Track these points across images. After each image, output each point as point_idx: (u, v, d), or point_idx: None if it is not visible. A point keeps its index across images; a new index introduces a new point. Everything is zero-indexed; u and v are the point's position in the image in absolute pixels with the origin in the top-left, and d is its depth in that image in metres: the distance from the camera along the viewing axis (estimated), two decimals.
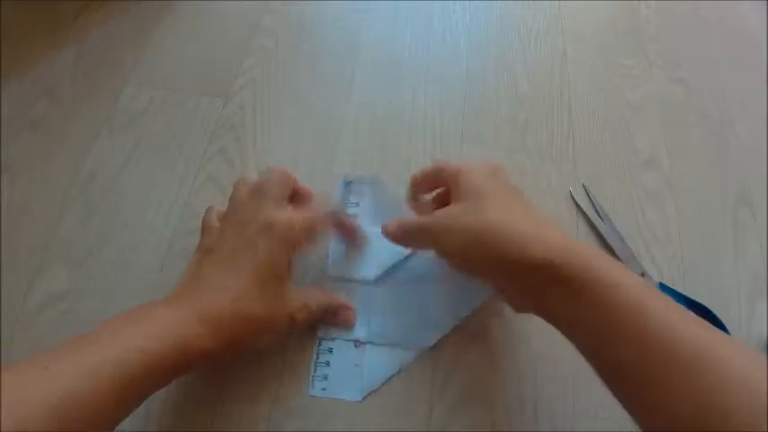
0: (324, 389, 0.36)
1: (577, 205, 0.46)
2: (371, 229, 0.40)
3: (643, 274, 0.42)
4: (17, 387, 0.23)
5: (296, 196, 0.37)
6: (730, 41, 0.60)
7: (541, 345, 0.38)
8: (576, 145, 0.49)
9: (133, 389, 0.27)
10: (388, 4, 0.57)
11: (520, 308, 0.33)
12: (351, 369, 0.37)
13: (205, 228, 0.36)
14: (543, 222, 0.32)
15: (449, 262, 0.34)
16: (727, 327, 0.40)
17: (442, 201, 0.37)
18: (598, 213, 0.45)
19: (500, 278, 0.32)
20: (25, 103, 0.46)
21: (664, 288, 0.41)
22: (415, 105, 0.50)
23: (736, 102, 0.54)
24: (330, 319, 0.38)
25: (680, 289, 0.42)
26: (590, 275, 0.27)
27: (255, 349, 0.35)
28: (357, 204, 0.43)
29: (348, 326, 0.38)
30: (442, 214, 0.33)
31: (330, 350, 0.37)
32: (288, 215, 0.33)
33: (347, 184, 0.44)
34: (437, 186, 0.38)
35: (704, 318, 0.41)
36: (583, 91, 0.53)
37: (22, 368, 0.25)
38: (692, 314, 0.27)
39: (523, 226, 0.31)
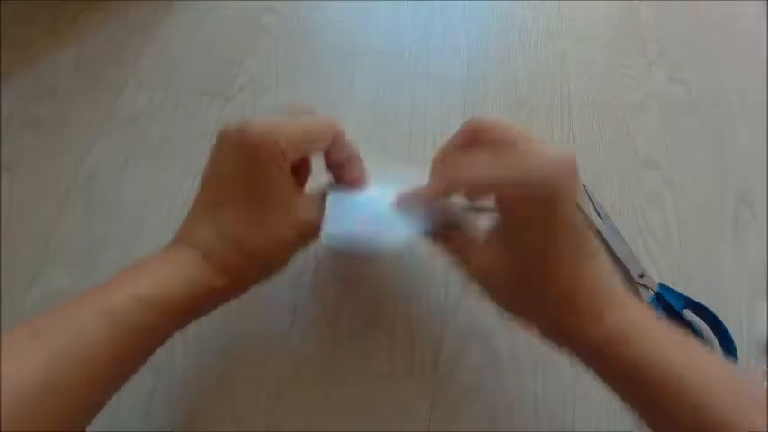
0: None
1: (577, 205, 0.46)
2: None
3: (643, 275, 0.42)
4: (8, 359, 0.22)
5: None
6: (730, 41, 0.60)
7: (541, 345, 0.38)
8: (576, 145, 0.49)
9: (134, 342, 0.25)
10: (388, 4, 0.57)
11: (554, 345, 0.29)
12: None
13: (215, 143, 0.31)
14: (601, 269, 0.28)
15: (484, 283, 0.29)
16: (727, 327, 0.40)
17: None
18: (598, 213, 0.45)
19: (531, 315, 0.29)
20: (25, 102, 0.46)
21: (664, 288, 0.41)
22: (415, 105, 0.50)
23: (736, 102, 0.54)
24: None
25: (680, 289, 0.42)
26: (649, 368, 0.25)
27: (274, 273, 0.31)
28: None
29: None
30: (487, 258, 0.28)
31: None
32: (264, 119, 0.28)
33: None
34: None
35: (704, 318, 0.41)
36: (583, 91, 0.53)
37: (12, 338, 0.23)
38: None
39: (587, 283, 0.26)
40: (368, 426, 0.35)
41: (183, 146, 0.45)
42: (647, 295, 0.41)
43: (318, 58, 0.52)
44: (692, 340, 0.27)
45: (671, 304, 0.40)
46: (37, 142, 0.45)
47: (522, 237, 0.27)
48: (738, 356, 0.39)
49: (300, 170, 0.32)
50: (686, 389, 0.24)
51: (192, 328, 0.37)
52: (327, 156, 0.32)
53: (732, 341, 0.39)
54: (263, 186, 0.28)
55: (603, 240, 0.44)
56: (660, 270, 0.43)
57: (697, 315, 0.41)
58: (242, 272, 0.29)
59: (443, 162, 0.32)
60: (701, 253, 0.45)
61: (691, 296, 0.41)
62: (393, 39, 0.55)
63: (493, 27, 0.57)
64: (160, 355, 0.36)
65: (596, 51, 0.56)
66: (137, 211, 0.42)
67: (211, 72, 0.50)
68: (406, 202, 0.32)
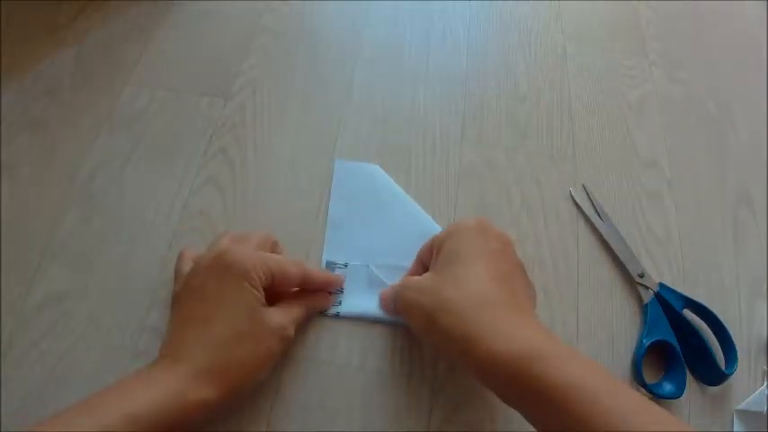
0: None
1: (577, 205, 0.46)
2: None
3: (643, 275, 0.42)
4: None
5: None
6: (730, 41, 0.60)
7: None
8: (576, 145, 0.49)
9: None
10: (388, 4, 0.57)
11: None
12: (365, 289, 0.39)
13: (178, 275, 0.36)
14: (514, 301, 0.30)
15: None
16: (727, 327, 0.40)
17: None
18: (598, 213, 0.45)
19: (465, 368, 0.31)
20: (25, 102, 0.46)
21: (664, 288, 0.41)
22: (415, 105, 0.50)
23: (736, 102, 0.54)
24: (313, 312, 0.38)
25: (680, 289, 0.42)
26: (552, 389, 0.26)
27: (258, 383, 0.34)
28: (345, 266, 0.41)
29: (326, 306, 0.39)
30: (411, 285, 0.34)
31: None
32: (244, 249, 0.34)
33: (329, 265, 0.41)
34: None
35: (704, 318, 0.41)
36: (583, 91, 0.53)
37: None
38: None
39: (484, 326, 0.29)
40: (368, 426, 0.35)
41: (183, 146, 0.45)
42: (648, 295, 0.41)
43: (318, 58, 0.52)
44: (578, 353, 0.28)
45: (671, 304, 0.40)
46: (37, 142, 0.45)
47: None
48: (738, 356, 0.39)
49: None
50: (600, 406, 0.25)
51: None
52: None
53: (732, 341, 0.39)
54: (244, 304, 0.32)
55: (604, 240, 0.44)
56: (660, 270, 0.43)
57: (697, 315, 0.41)
58: (234, 383, 0.31)
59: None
60: (701, 253, 0.45)
61: (691, 296, 0.41)
62: (393, 38, 0.55)
63: (493, 27, 0.57)
64: None
65: (596, 51, 0.56)
66: (137, 211, 0.42)
67: (211, 72, 0.50)
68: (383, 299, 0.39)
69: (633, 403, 0.25)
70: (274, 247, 0.38)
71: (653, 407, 0.25)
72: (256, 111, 0.48)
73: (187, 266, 0.35)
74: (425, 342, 0.37)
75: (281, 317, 0.34)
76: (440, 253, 0.33)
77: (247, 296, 0.32)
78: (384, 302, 0.38)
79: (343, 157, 0.46)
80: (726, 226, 0.46)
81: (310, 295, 0.37)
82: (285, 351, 0.34)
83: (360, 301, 0.39)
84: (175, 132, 0.46)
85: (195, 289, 0.33)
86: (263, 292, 0.33)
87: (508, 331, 0.28)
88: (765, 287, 0.44)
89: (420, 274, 0.37)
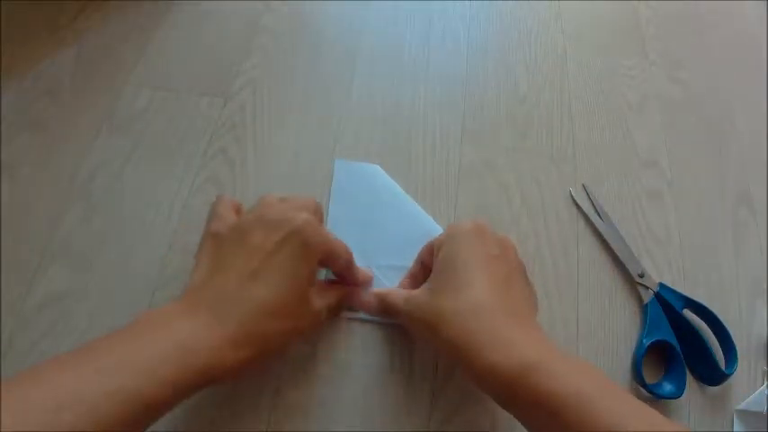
0: None
1: (577, 205, 0.46)
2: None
3: (642, 275, 0.42)
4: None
5: None
6: (730, 41, 0.60)
7: None
8: (576, 145, 0.49)
9: (143, 418, 0.25)
10: (388, 4, 0.57)
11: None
12: None
13: (218, 216, 0.34)
14: (512, 308, 0.30)
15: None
16: (727, 327, 0.40)
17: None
18: (598, 213, 0.45)
19: (466, 376, 0.31)
20: (25, 103, 0.46)
21: (664, 288, 0.41)
22: (415, 105, 0.50)
23: (736, 102, 0.54)
24: (347, 305, 0.38)
25: (680, 289, 0.42)
26: (550, 400, 0.26)
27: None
28: None
29: (364, 306, 0.38)
30: (411, 300, 0.33)
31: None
32: (317, 223, 0.32)
33: None
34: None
35: (704, 318, 0.41)
36: (583, 91, 0.53)
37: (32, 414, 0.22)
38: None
39: (483, 336, 0.29)
40: (368, 426, 0.35)
41: (183, 146, 0.45)
42: (648, 295, 0.41)
43: (318, 58, 0.52)
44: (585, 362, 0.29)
45: (671, 304, 0.40)
46: (37, 142, 0.44)
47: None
48: (738, 356, 0.39)
49: None
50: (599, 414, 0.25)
51: None
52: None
53: (732, 341, 0.39)
54: (302, 280, 0.31)
55: (604, 240, 0.44)
56: (660, 270, 0.43)
57: (697, 315, 0.41)
58: (264, 354, 0.29)
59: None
60: (701, 253, 0.45)
61: (691, 296, 0.41)
62: (393, 38, 0.55)
63: (493, 27, 0.57)
64: None
65: (596, 51, 0.56)
66: (137, 211, 0.42)
67: (211, 72, 0.50)
68: (361, 304, 0.39)
69: (628, 407, 0.26)
70: (319, 214, 0.35)
71: (647, 410, 0.26)
72: (256, 111, 0.48)
73: (227, 212, 0.34)
74: (430, 347, 0.37)
75: (320, 300, 0.33)
76: (437, 258, 0.33)
77: (306, 274, 0.31)
78: (365, 305, 0.38)
79: (343, 157, 0.46)
80: (726, 226, 0.47)
81: (348, 288, 0.37)
82: (313, 331, 0.35)
83: None
84: (175, 132, 0.46)
85: (256, 245, 0.30)
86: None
87: (505, 341, 0.28)
88: (765, 287, 0.44)
89: (420, 275, 0.37)
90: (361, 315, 0.39)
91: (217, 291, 0.30)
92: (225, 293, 0.29)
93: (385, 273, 0.40)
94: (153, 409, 0.25)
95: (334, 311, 0.36)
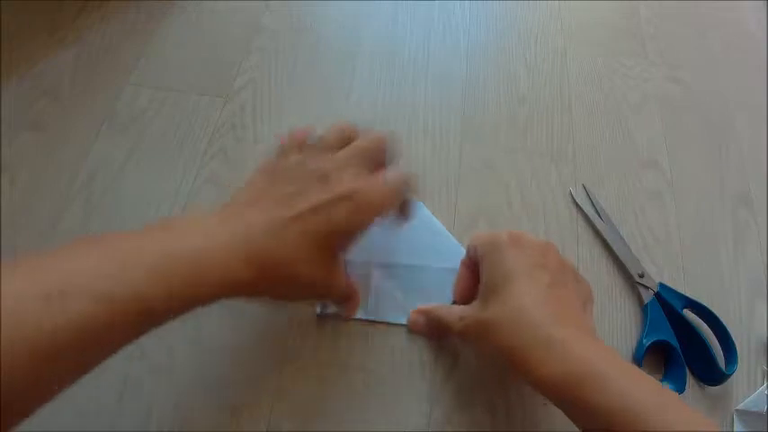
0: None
1: (577, 205, 0.46)
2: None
3: (642, 275, 0.42)
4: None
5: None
6: (730, 41, 0.60)
7: None
8: (576, 145, 0.49)
9: (151, 321, 0.24)
10: (388, 4, 0.57)
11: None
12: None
13: (280, 151, 0.33)
14: (562, 313, 0.30)
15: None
16: (727, 327, 0.40)
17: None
18: (598, 213, 0.45)
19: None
20: (25, 103, 0.46)
21: (664, 288, 0.41)
22: (415, 105, 0.50)
23: (736, 102, 0.54)
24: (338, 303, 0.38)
25: (680, 289, 0.42)
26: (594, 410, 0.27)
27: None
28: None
29: (412, 325, 0.39)
30: (466, 316, 0.33)
31: None
32: (378, 183, 0.31)
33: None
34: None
35: (704, 318, 0.41)
36: (583, 91, 0.53)
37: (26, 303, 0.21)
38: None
39: (532, 353, 0.29)
40: (367, 426, 0.35)
41: (183, 146, 0.45)
42: (648, 295, 0.41)
43: (318, 58, 0.52)
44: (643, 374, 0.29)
45: (671, 304, 0.40)
46: (37, 142, 0.44)
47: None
48: (738, 356, 0.39)
49: None
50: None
51: (192, 329, 0.38)
52: None
53: (732, 341, 0.39)
54: (343, 238, 0.31)
55: (604, 240, 0.44)
56: (660, 270, 0.43)
57: (697, 315, 0.41)
58: (272, 282, 0.29)
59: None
60: (701, 253, 0.45)
61: (691, 296, 0.41)
62: (393, 39, 0.55)
63: (493, 27, 0.57)
64: (160, 354, 0.36)
65: (596, 51, 0.56)
66: (137, 211, 0.42)
67: (211, 72, 0.50)
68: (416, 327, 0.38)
69: (683, 416, 0.26)
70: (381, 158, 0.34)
71: (703, 420, 0.26)
72: (256, 111, 0.48)
73: (289, 149, 0.33)
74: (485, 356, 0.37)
75: (344, 276, 0.33)
76: (482, 272, 0.34)
77: (352, 234, 0.30)
78: (415, 326, 0.38)
79: None
80: (726, 226, 0.47)
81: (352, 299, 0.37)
82: (321, 297, 0.35)
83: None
84: (175, 132, 0.46)
85: (305, 185, 0.30)
86: None
87: (548, 350, 0.29)
88: (765, 287, 0.44)
89: (469, 279, 0.37)
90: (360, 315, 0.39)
91: (258, 210, 0.29)
92: (263, 218, 0.28)
93: (385, 272, 0.40)
94: (155, 315, 0.25)
95: (344, 296, 0.35)
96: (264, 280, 0.28)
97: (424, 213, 0.43)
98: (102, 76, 0.49)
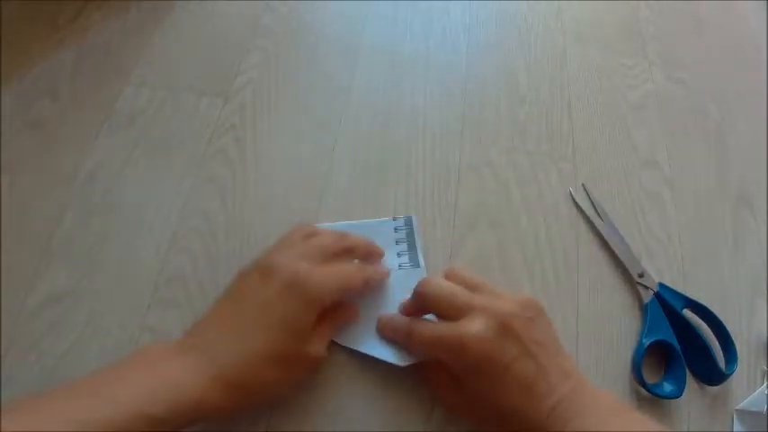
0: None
1: (577, 205, 0.46)
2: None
3: (642, 275, 0.42)
4: None
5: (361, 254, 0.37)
6: (730, 41, 0.60)
7: None
8: (576, 145, 0.49)
9: None
10: (388, 4, 0.57)
11: None
12: None
13: (259, 266, 0.34)
14: (531, 389, 0.30)
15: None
16: (727, 327, 0.40)
17: None
18: (598, 213, 0.45)
19: None
20: (25, 102, 0.46)
21: (664, 288, 0.41)
22: (415, 105, 0.50)
23: (736, 102, 0.54)
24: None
25: (680, 289, 0.42)
26: None
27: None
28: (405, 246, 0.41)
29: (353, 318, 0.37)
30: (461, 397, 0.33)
31: None
32: (321, 272, 0.32)
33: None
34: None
35: (704, 318, 0.41)
36: (583, 91, 0.53)
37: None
38: None
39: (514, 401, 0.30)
40: (368, 426, 0.35)
41: (183, 146, 0.45)
42: (648, 295, 0.41)
43: (318, 58, 0.52)
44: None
45: (671, 304, 0.40)
46: (37, 142, 0.44)
47: (467, 384, 0.32)
48: (738, 356, 0.39)
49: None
50: None
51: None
52: None
53: (732, 341, 0.39)
54: (299, 331, 0.31)
55: (604, 240, 0.44)
56: (660, 270, 0.43)
57: (697, 315, 0.41)
58: (252, 399, 0.30)
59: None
60: (700, 253, 0.45)
61: (691, 296, 0.41)
62: (393, 38, 0.55)
63: (493, 26, 0.57)
64: None
65: (596, 51, 0.56)
66: (137, 211, 0.42)
67: (211, 72, 0.50)
68: (383, 331, 0.37)
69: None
70: (351, 252, 0.36)
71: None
72: (256, 111, 0.48)
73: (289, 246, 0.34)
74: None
75: (320, 344, 0.33)
76: (464, 363, 0.32)
77: (303, 323, 0.31)
78: (394, 332, 0.36)
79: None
80: (726, 226, 0.47)
81: (340, 311, 0.36)
82: (312, 373, 0.35)
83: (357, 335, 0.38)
84: (175, 132, 0.46)
85: (254, 291, 0.31)
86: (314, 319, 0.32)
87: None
88: (765, 287, 0.44)
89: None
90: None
91: (212, 335, 0.30)
92: (220, 338, 0.30)
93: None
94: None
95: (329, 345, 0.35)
96: (244, 393, 0.29)
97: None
98: (102, 76, 0.49)
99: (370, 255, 0.38)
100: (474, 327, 0.30)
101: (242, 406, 0.30)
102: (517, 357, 0.30)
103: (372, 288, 0.37)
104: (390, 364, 0.35)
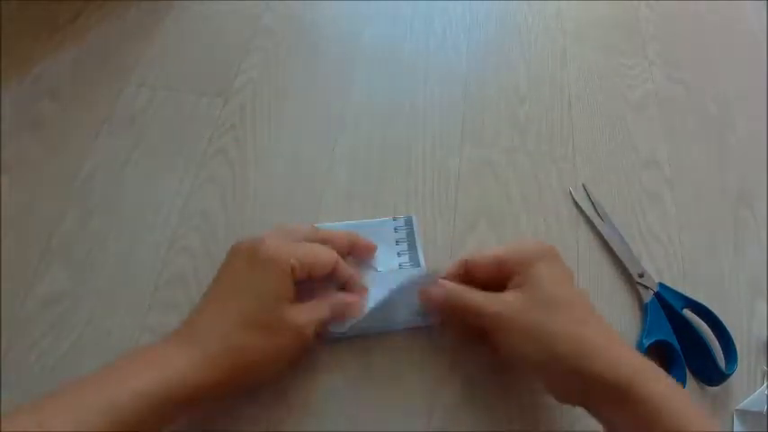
0: None
1: (577, 205, 0.46)
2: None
3: (642, 275, 0.42)
4: None
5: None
6: (730, 41, 0.60)
7: None
8: (576, 145, 0.49)
9: None
10: (388, 4, 0.57)
11: (564, 401, 0.33)
12: None
13: (227, 254, 0.35)
14: (614, 337, 0.31)
15: (499, 353, 0.35)
16: (727, 327, 0.40)
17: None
18: (598, 213, 0.45)
19: (558, 383, 0.32)
20: (25, 103, 0.46)
21: (664, 288, 0.41)
22: (415, 105, 0.50)
23: (736, 102, 0.54)
24: (339, 317, 0.36)
25: (680, 289, 0.42)
26: (660, 404, 0.28)
27: (271, 380, 0.35)
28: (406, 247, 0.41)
29: (355, 313, 0.37)
30: (506, 302, 0.33)
31: None
32: (281, 242, 0.33)
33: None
34: (495, 278, 0.35)
35: (704, 318, 0.41)
36: (583, 91, 0.53)
37: (17, 427, 0.24)
38: None
39: (599, 340, 0.30)
40: (368, 426, 0.35)
41: (183, 146, 0.45)
42: (648, 295, 0.41)
43: (318, 58, 0.52)
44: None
45: (671, 304, 0.40)
46: (37, 142, 0.45)
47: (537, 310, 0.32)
48: (738, 356, 0.39)
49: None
50: None
51: None
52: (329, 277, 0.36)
53: (732, 341, 0.39)
54: (269, 298, 0.31)
55: (604, 240, 0.44)
56: (660, 270, 0.43)
57: (697, 315, 0.41)
58: (240, 372, 0.30)
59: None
60: (701, 253, 0.45)
61: (691, 296, 0.41)
62: (393, 39, 0.55)
63: (493, 27, 0.57)
64: None
65: (596, 51, 0.56)
66: (137, 211, 0.42)
67: (211, 72, 0.50)
68: (428, 298, 0.37)
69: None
70: (322, 240, 0.36)
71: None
72: (256, 111, 0.48)
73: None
74: (508, 359, 0.36)
75: (303, 315, 0.33)
76: (529, 278, 0.33)
77: (274, 286, 0.32)
78: (437, 299, 0.36)
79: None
80: (726, 226, 0.46)
81: (340, 297, 0.36)
82: (302, 350, 0.33)
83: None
84: (175, 132, 0.46)
85: (224, 271, 0.33)
86: (293, 287, 0.32)
87: (614, 358, 0.30)
88: (765, 287, 0.44)
89: (462, 282, 0.36)
90: (346, 331, 0.37)
91: (197, 318, 0.32)
92: (202, 319, 0.31)
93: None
94: None
95: (323, 324, 0.35)
96: (232, 364, 0.30)
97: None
98: (102, 76, 0.49)
99: (353, 248, 0.38)
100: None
101: (235, 381, 0.30)
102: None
103: (346, 275, 0.36)
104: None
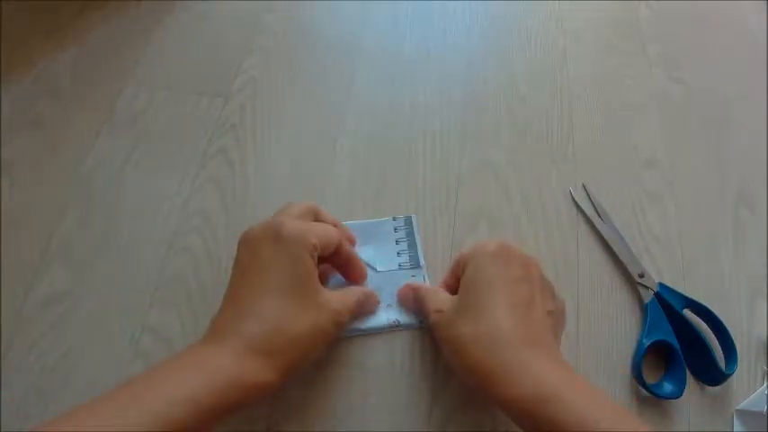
0: None
1: (577, 205, 0.46)
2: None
3: (642, 275, 0.42)
4: None
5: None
6: (730, 41, 0.60)
7: None
8: (576, 145, 0.49)
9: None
10: (388, 4, 0.57)
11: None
12: None
13: (240, 243, 0.34)
14: (530, 334, 0.30)
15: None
16: (727, 327, 0.40)
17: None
18: (598, 213, 0.45)
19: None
20: (25, 102, 0.46)
21: (664, 288, 0.41)
22: (415, 105, 0.50)
23: (736, 102, 0.54)
24: (360, 312, 0.37)
25: (680, 289, 0.42)
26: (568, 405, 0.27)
27: (310, 362, 0.33)
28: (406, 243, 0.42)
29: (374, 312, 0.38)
30: (441, 312, 0.33)
31: None
32: (294, 220, 0.33)
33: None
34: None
35: (704, 318, 0.41)
36: (583, 91, 0.53)
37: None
38: None
39: (497, 367, 0.29)
40: (368, 426, 0.35)
41: (183, 146, 0.45)
42: (648, 295, 0.41)
43: (318, 58, 0.52)
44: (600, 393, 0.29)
45: (671, 304, 0.40)
46: (37, 142, 0.45)
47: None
48: (738, 356, 0.39)
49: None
50: None
51: (191, 329, 0.38)
52: (330, 259, 0.36)
53: (732, 341, 0.39)
54: (302, 276, 0.31)
55: (604, 240, 0.44)
56: (660, 270, 0.43)
57: (697, 315, 0.41)
58: (285, 359, 0.29)
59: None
60: (701, 253, 0.45)
61: (691, 296, 0.41)
62: (393, 39, 0.54)
63: (493, 27, 0.57)
64: (160, 354, 0.36)
65: (596, 51, 0.56)
66: (137, 211, 0.42)
67: (211, 72, 0.50)
68: (400, 298, 0.39)
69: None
70: (318, 216, 0.37)
71: None
72: (256, 111, 0.48)
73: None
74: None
75: (339, 300, 0.33)
76: (463, 278, 0.33)
77: (304, 262, 0.31)
78: (404, 299, 0.38)
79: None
80: (726, 226, 0.46)
81: (359, 290, 0.36)
82: (335, 335, 0.33)
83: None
84: (175, 132, 0.46)
85: (245, 260, 0.32)
86: (317, 268, 0.32)
87: (520, 372, 0.28)
88: (765, 287, 0.44)
89: (454, 287, 0.37)
90: (364, 328, 0.38)
91: (230, 313, 0.31)
92: (238, 313, 0.30)
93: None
94: None
95: (353, 314, 0.35)
96: (281, 353, 0.29)
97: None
98: (102, 76, 0.49)
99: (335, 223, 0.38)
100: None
101: (284, 368, 0.29)
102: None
103: (348, 253, 0.36)
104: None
